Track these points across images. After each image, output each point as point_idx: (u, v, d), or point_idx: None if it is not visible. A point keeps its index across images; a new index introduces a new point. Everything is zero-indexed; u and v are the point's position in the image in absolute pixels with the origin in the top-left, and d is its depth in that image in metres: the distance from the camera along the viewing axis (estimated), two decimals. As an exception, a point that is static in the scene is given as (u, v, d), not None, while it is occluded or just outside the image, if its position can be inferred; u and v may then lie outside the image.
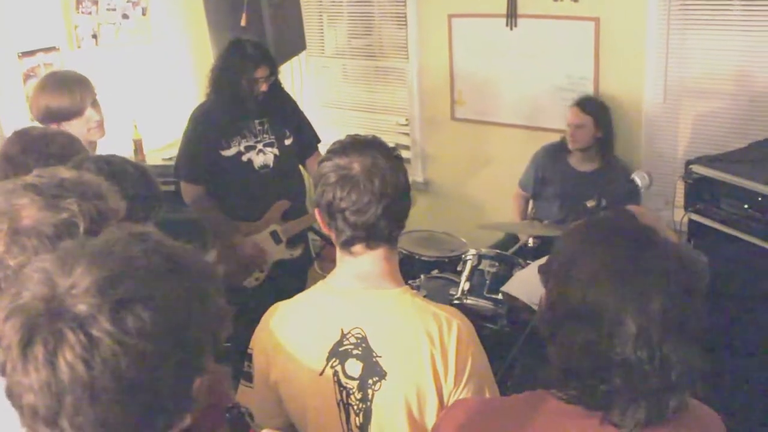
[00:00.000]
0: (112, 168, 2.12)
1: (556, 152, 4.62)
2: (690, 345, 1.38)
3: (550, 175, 4.61)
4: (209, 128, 3.97)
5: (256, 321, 2.08)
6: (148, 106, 5.60)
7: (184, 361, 1.12)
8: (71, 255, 1.11)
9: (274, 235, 4.08)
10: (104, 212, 1.65)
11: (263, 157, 4.01)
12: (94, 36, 5.26)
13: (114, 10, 5.37)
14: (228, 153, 3.97)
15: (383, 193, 1.84)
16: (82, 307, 1.05)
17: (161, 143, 5.63)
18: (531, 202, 4.82)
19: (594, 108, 4.43)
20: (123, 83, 5.31)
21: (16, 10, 4.75)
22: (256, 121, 4.01)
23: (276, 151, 4.04)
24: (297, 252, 4.16)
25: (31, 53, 4.84)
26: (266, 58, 3.95)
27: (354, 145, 1.91)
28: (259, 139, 4.01)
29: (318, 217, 1.94)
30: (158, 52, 5.74)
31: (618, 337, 1.36)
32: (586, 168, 4.52)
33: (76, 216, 1.60)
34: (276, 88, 4.05)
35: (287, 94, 4.29)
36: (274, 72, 3.98)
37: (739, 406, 3.32)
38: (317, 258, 4.96)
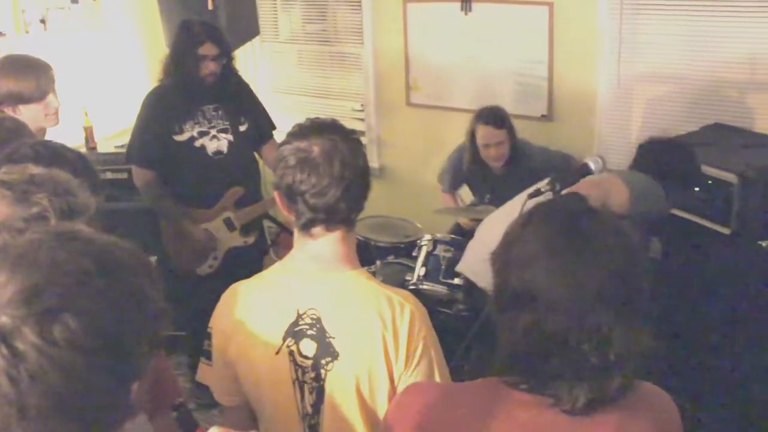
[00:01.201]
0: (51, 153, 2.08)
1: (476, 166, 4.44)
2: (631, 324, 1.36)
3: (472, 178, 4.56)
4: (161, 112, 3.94)
5: (211, 308, 2.08)
6: (99, 93, 5.50)
7: (120, 368, 1.07)
8: None
9: (227, 222, 4.05)
10: (75, 207, 1.63)
11: (217, 143, 3.97)
12: (43, 21, 5.16)
13: (63, -6, 5.26)
14: (181, 138, 3.93)
15: (342, 175, 1.85)
16: (4, 320, 0.99)
17: (112, 130, 5.54)
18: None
19: (503, 120, 4.26)
20: (73, 70, 5.20)
21: (-40, -5, 4.64)
22: (211, 107, 3.98)
23: (230, 137, 4.00)
24: (251, 239, 4.13)
25: (-23, 38, 4.74)
26: (212, 36, 3.88)
27: (313, 128, 1.93)
28: (213, 124, 3.97)
29: (278, 200, 1.96)
30: (109, 38, 5.64)
31: (555, 318, 1.35)
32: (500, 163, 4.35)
33: (47, 211, 1.58)
34: (229, 72, 4.01)
35: (242, 80, 4.25)
36: (224, 52, 3.92)
37: (693, 388, 3.37)
38: (273, 245, 4.93)
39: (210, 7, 4.82)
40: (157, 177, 3.98)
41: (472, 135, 4.33)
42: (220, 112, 3.99)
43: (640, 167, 3.27)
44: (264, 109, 4.30)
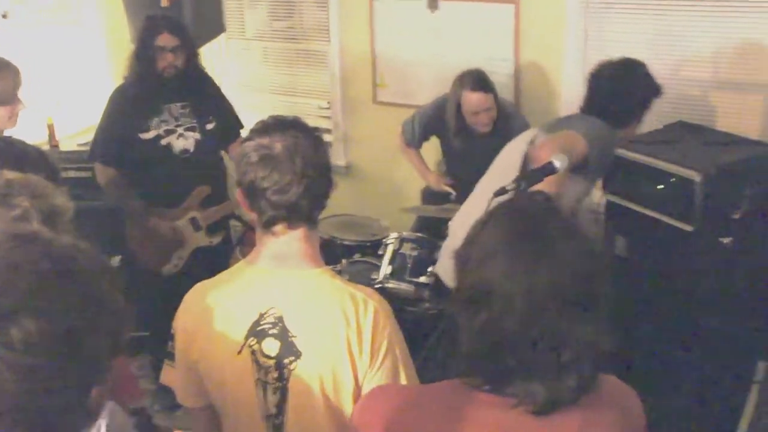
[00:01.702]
0: (14, 150, 2.05)
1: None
2: (587, 323, 1.35)
3: (465, 153, 4.39)
4: (127, 109, 3.91)
5: (174, 308, 2.06)
6: (62, 89, 5.43)
7: (79, 372, 1.05)
8: None
9: (193, 221, 4.02)
10: (54, 210, 1.61)
11: (183, 141, 3.94)
12: (4, 15, 5.08)
13: (26, -13, 5.19)
14: (146, 136, 3.89)
15: (304, 172, 1.85)
16: None
17: (76, 128, 5.47)
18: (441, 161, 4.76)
19: (490, 84, 4.20)
20: (36, 65, 5.13)
21: None
22: (178, 104, 3.94)
23: (197, 135, 3.97)
24: (216, 239, 4.11)
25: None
26: (170, 27, 3.85)
27: (276, 125, 1.92)
28: (180, 122, 3.94)
29: (240, 198, 1.94)
30: (73, 33, 5.57)
31: (509, 317, 1.34)
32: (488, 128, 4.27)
33: (28, 212, 1.56)
34: (195, 70, 3.98)
35: (209, 78, 4.23)
36: (184, 45, 3.87)
37: (656, 383, 3.40)
38: (239, 244, 4.91)
39: (164, 4, 4.77)
40: (121, 175, 3.94)
41: (457, 104, 4.23)
42: (187, 110, 3.96)
43: (593, 98, 3.23)
44: (231, 107, 4.28)
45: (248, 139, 1.92)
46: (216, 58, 5.90)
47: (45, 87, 5.20)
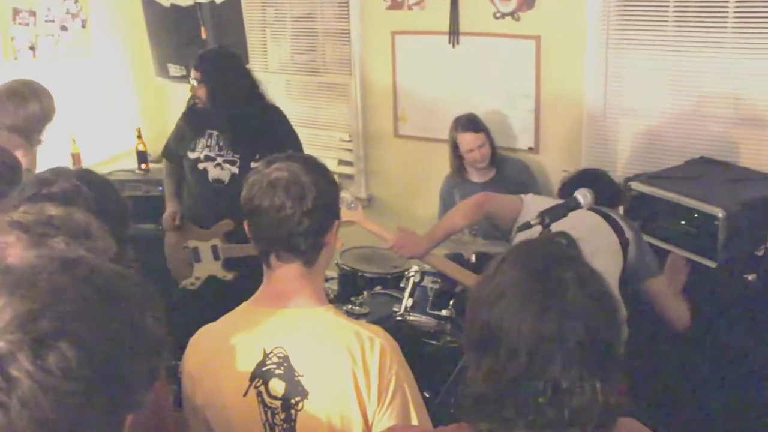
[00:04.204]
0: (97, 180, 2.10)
1: (456, 177, 4.68)
2: (595, 378, 1.30)
3: (461, 200, 4.57)
4: (185, 123, 4.17)
5: (183, 322, 2.05)
6: (87, 120, 5.50)
7: (113, 399, 1.05)
8: None
9: (214, 249, 4.09)
10: (93, 251, 1.57)
11: (219, 171, 4.03)
12: (32, 48, 5.17)
13: (52, 21, 5.28)
14: (191, 155, 4.07)
15: (300, 206, 1.85)
16: (1, 345, 0.97)
17: (100, 158, 5.53)
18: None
19: (480, 124, 4.53)
20: (61, 96, 5.20)
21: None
22: (215, 132, 4.03)
23: (236, 170, 4.02)
24: (230, 276, 4.12)
25: (-34, 64, 4.74)
26: (197, 62, 4.01)
27: (284, 158, 1.95)
28: (221, 153, 4.02)
29: (246, 228, 1.96)
30: (98, 64, 5.65)
31: (512, 363, 1.30)
32: (485, 178, 4.60)
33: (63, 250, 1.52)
34: (224, 103, 3.97)
35: (275, 115, 4.19)
36: (204, 79, 3.94)
37: (680, 421, 3.37)
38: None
39: (204, 35, 4.85)
40: (180, 172, 4.20)
41: (454, 145, 4.57)
42: (229, 143, 4.01)
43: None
44: (296, 146, 4.15)
45: (254, 170, 1.96)
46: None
47: (70, 117, 5.27)
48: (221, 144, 4.02)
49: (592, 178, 3.63)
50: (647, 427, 1.53)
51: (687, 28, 4.16)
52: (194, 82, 3.96)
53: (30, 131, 3.50)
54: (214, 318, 2.03)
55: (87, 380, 1.00)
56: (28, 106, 3.53)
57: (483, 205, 3.28)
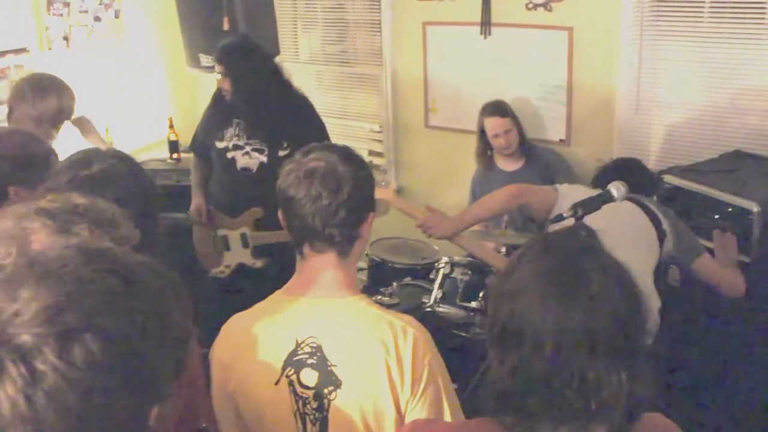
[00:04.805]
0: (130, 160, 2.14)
1: (487, 167, 4.71)
2: (621, 369, 1.29)
3: (490, 190, 4.56)
4: (212, 114, 4.20)
5: (211, 310, 2.05)
6: (120, 109, 5.55)
7: (139, 392, 1.05)
8: (18, 276, 1.04)
9: (243, 237, 4.13)
10: (116, 240, 1.59)
11: (248, 159, 4.06)
12: (66, 38, 5.21)
13: (86, 12, 5.32)
14: (219, 145, 4.10)
15: (335, 196, 1.85)
16: (25, 338, 0.97)
17: (133, 146, 5.57)
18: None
19: (508, 110, 4.55)
20: (95, 86, 5.25)
21: (-14, 11, 4.70)
22: (243, 122, 4.06)
23: (264, 158, 4.04)
24: (259, 263, 4.14)
25: (1, 54, 4.78)
26: (219, 55, 4.02)
27: (320, 148, 1.94)
28: (250, 141, 4.05)
29: (280, 217, 1.96)
30: (130, 55, 5.69)
31: (537, 356, 1.29)
32: (514, 167, 4.61)
33: (87, 241, 1.53)
34: (244, 92, 4.00)
35: (301, 104, 4.20)
36: (227, 71, 3.97)
37: (708, 416, 3.35)
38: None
39: (226, 27, 4.86)
40: (207, 165, 4.25)
41: (481, 131, 4.61)
42: (258, 131, 4.03)
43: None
44: (323, 135, 4.17)
45: (291, 160, 1.95)
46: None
47: (103, 106, 5.32)
48: (249, 133, 4.04)
49: (627, 168, 3.64)
50: (673, 422, 1.52)
51: (723, 18, 4.09)
52: (219, 76, 3.99)
53: (43, 123, 3.54)
54: (244, 306, 2.04)
55: (112, 373, 1.00)
56: (48, 99, 3.57)
57: (518, 196, 3.27)
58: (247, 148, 4.04)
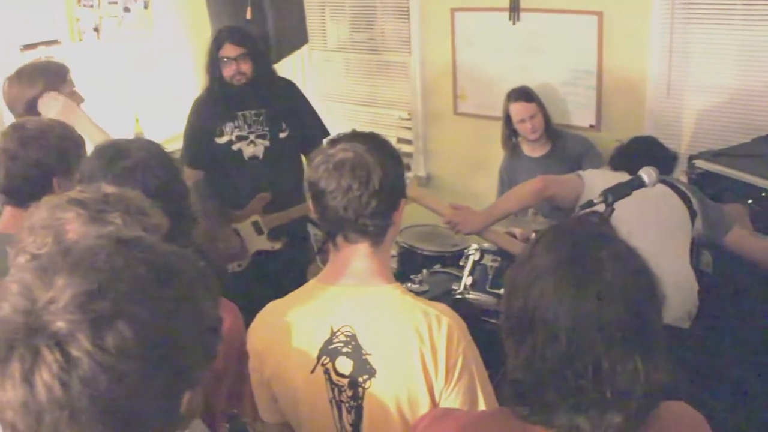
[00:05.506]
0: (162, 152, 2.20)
1: (512, 153, 4.72)
2: (637, 357, 1.27)
3: (516, 176, 4.60)
4: (203, 115, 4.13)
5: (244, 301, 2.09)
6: (150, 100, 5.59)
7: (170, 378, 1.07)
8: (52, 265, 1.06)
9: (255, 225, 4.15)
10: (147, 227, 1.62)
11: (253, 148, 4.09)
12: (96, 29, 5.26)
13: (116, 3, 5.37)
14: (221, 141, 4.09)
15: (366, 187, 1.83)
16: (60, 324, 0.99)
17: (163, 137, 5.61)
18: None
19: (533, 95, 4.54)
20: (124, 76, 5.29)
21: (19, 4, 4.75)
22: (252, 112, 4.08)
23: (267, 143, 4.10)
24: (278, 244, 4.18)
25: (33, 46, 4.84)
26: (234, 37, 3.98)
27: (348, 137, 1.93)
28: (252, 129, 4.09)
29: (311, 207, 1.95)
30: (160, 45, 5.73)
31: (551, 345, 1.28)
32: (540, 153, 4.62)
33: (120, 230, 1.57)
34: (267, 76, 4.08)
35: (290, 85, 4.35)
36: (249, 53, 3.97)
37: (738, 405, 3.32)
38: (319, 253, 4.95)
39: (248, 16, 4.87)
40: (206, 177, 4.16)
41: (507, 117, 4.61)
42: (261, 118, 4.09)
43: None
44: (314, 115, 4.36)
45: (320, 150, 1.93)
46: (299, 69, 5.99)
47: (133, 97, 5.36)
48: (250, 122, 4.08)
49: (645, 147, 3.64)
50: (697, 411, 1.50)
51: (755, 1, 4.03)
52: (233, 59, 3.94)
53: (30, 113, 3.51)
54: (269, 292, 2.05)
55: (144, 359, 1.02)
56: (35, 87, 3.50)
57: (542, 191, 3.31)
58: (251, 137, 4.08)
